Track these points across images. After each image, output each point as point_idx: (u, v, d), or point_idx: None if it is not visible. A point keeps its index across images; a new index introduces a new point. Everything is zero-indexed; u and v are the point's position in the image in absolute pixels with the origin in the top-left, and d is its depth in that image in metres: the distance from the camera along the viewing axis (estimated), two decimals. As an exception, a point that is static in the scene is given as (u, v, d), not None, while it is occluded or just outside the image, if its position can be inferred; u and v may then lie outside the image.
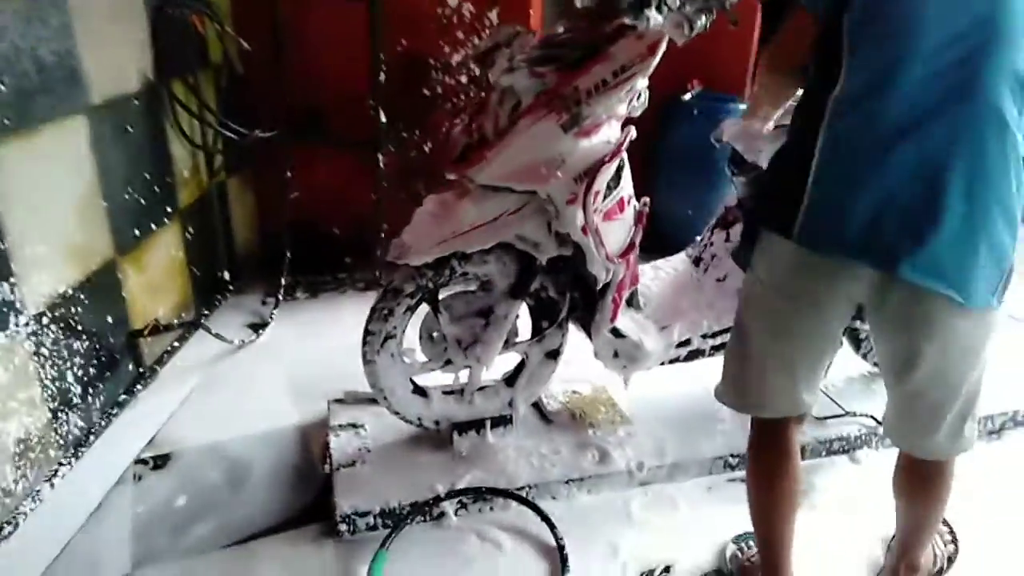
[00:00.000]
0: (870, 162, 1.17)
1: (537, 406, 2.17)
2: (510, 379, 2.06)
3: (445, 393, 2.00)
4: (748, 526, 1.58)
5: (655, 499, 1.97)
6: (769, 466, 1.50)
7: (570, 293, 1.89)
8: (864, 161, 1.17)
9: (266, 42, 2.82)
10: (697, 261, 2.18)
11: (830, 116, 1.21)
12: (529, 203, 1.70)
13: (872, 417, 2.18)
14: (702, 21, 1.49)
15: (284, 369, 2.52)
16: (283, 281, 2.99)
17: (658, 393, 2.21)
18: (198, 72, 2.61)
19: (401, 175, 3.08)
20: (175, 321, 2.55)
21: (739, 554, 1.75)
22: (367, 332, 1.82)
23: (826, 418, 2.19)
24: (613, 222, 1.73)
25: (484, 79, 2.90)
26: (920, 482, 1.49)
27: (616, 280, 1.80)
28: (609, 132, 1.67)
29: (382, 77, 2.82)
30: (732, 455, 2.06)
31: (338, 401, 2.18)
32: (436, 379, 1.98)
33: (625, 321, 1.90)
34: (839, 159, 1.21)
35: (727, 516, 1.82)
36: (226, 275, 2.97)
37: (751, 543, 1.73)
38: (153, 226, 2.42)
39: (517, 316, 1.89)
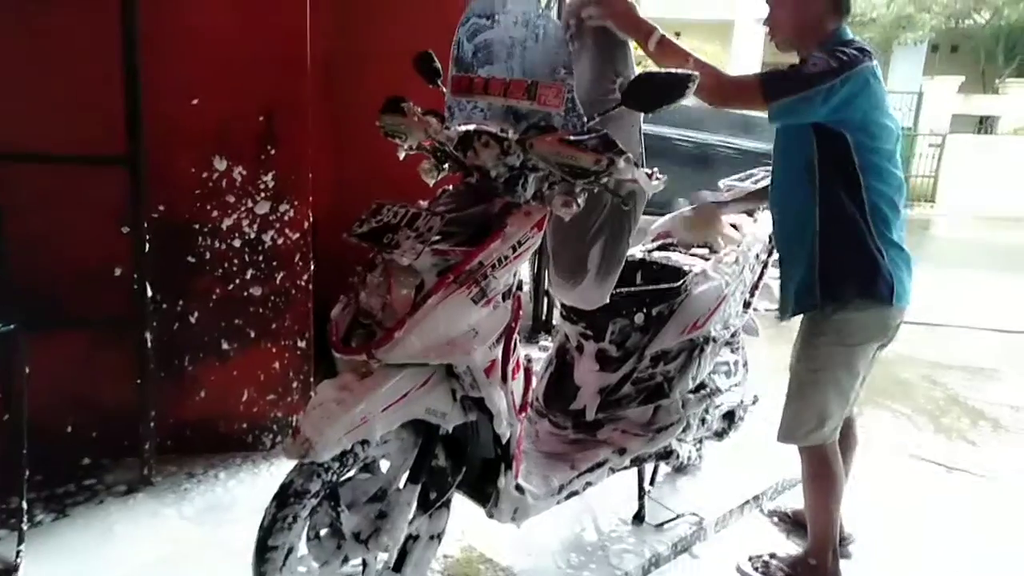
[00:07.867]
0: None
1: (423, 587, 2.04)
2: (397, 565, 1.91)
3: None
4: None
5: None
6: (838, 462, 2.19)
7: (467, 461, 1.87)
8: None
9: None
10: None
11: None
12: (434, 373, 1.69)
13: (695, 515, 2.51)
14: (584, 198, 1.70)
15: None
16: (24, 505, 2.35)
17: (505, 529, 2.06)
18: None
19: (173, 353, 2.71)
20: None
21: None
22: (267, 549, 1.57)
23: (662, 524, 2.45)
24: (514, 382, 1.79)
25: (255, 244, 2.76)
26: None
27: (515, 437, 1.84)
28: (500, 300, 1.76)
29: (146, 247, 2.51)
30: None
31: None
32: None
33: (523, 476, 1.94)
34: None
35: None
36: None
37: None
38: None
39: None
